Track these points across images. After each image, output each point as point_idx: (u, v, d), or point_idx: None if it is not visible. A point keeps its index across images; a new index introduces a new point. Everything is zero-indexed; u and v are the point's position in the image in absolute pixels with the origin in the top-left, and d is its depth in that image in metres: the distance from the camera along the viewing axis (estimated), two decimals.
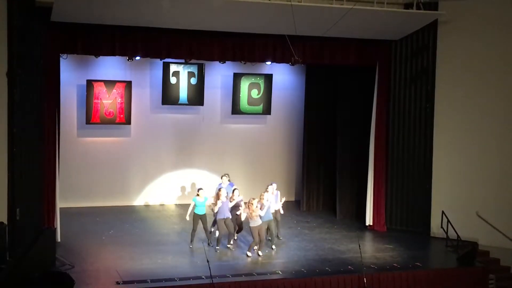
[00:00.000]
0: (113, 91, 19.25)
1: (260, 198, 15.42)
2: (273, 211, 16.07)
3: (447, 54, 17.66)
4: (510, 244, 16.84)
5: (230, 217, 15.68)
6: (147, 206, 20.31)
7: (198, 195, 15.80)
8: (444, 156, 17.85)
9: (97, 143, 19.86)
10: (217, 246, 15.64)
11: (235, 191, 15.95)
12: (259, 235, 15.21)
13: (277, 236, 16.54)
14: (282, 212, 16.70)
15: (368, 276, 14.05)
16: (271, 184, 16.47)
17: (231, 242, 15.89)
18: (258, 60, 18.35)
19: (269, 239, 16.00)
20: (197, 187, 16.83)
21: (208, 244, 15.78)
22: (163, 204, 20.48)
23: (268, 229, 15.66)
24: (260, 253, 15.38)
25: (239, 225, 16.12)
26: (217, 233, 16.01)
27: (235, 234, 16.07)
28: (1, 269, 12.95)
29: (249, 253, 15.33)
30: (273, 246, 15.97)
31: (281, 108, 21.46)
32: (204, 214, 15.81)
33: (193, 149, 20.76)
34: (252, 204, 15.09)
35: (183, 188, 20.65)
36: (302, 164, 20.99)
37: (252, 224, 15.18)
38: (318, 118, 20.62)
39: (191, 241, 15.84)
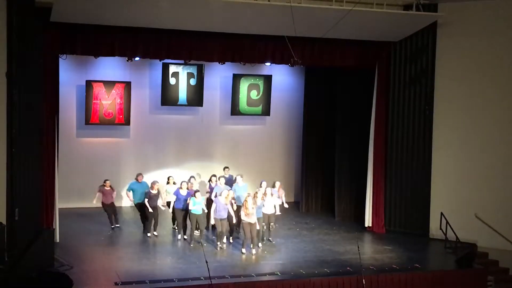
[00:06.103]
0: (112, 92, 19.25)
1: (254, 196, 15.77)
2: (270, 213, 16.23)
3: (447, 56, 17.66)
4: (509, 245, 16.85)
5: (225, 217, 15.74)
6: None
7: (195, 196, 15.85)
8: (443, 157, 17.85)
9: (96, 144, 19.86)
10: (218, 243, 15.84)
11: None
12: (250, 231, 15.33)
13: (268, 239, 16.56)
14: (285, 205, 17.07)
15: (367, 277, 14.04)
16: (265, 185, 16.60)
17: (224, 241, 16.04)
18: (257, 61, 18.35)
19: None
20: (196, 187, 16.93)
21: (199, 243, 15.84)
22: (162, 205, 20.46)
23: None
24: (253, 251, 15.46)
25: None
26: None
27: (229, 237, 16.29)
28: (0, 270, 12.93)
29: (243, 250, 15.47)
30: (260, 244, 16.07)
31: (280, 109, 21.47)
32: (200, 215, 16.01)
33: (192, 150, 20.77)
34: (247, 202, 15.32)
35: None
36: (301, 165, 21.01)
37: (244, 220, 15.37)
38: (318, 119, 20.63)
39: (191, 240, 16.02)
